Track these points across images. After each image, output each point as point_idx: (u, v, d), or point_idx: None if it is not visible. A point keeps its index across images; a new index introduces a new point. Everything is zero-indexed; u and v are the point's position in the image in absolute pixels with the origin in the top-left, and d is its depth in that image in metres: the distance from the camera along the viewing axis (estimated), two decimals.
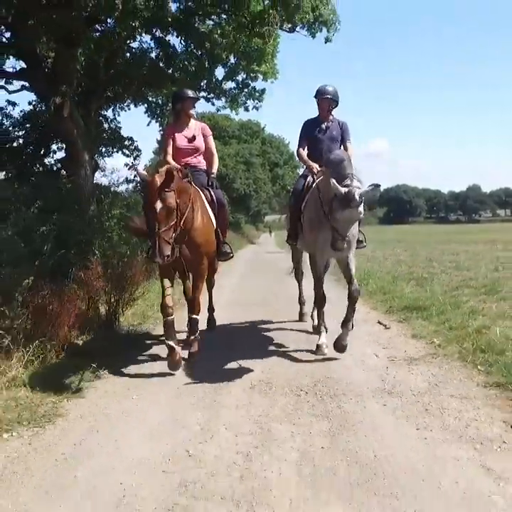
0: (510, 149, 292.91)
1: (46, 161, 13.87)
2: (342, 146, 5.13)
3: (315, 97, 5.14)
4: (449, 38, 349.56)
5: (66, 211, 8.51)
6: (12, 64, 10.92)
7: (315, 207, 4.64)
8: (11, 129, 13.52)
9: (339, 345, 4.63)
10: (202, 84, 12.96)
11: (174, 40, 13.04)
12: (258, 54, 12.00)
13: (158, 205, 3.87)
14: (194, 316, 4.85)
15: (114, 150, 14.29)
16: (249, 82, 13.51)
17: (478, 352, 4.46)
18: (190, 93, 5.17)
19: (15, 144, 13.62)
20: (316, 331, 5.26)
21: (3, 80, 11.09)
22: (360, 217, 4.20)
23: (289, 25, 10.61)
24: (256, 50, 11.84)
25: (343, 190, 3.94)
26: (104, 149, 13.89)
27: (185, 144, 5.11)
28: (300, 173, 5.83)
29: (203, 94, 13.78)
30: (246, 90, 13.82)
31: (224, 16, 10.95)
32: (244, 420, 3.33)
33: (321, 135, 5.16)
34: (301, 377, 4.20)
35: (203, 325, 5.39)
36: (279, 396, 3.77)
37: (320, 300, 4.98)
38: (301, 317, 6.46)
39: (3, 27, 10.21)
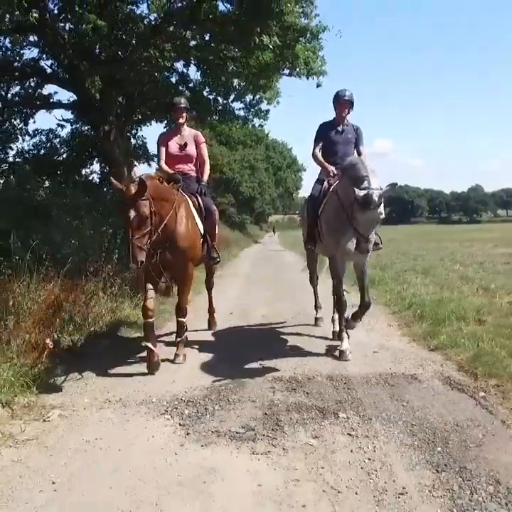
0: None
1: (83, 171, 17.18)
2: (356, 150, 5.28)
3: (334, 100, 5.27)
4: (452, 40, 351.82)
5: (112, 215, 11.57)
6: (66, 96, 14.16)
7: (334, 211, 4.72)
8: (58, 146, 16.88)
9: (349, 324, 5.12)
10: (218, 109, 16.13)
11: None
12: (264, 86, 15.17)
13: (132, 213, 3.94)
14: (180, 319, 5.01)
15: (141, 162, 17.48)
16: (256, 102, 16.69)
17: (393, 300, 7.64)
18: (181, 103, 5.27)
19: (60, 158, 16.94)
20: (337, 337, 5.41)
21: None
22: (380, 218, 4.23)
23: (288, 71, 13.85)
24: (262, 83, 14.96)
25: (362, 193, 4.04)
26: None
27: (178, 151, 5.25)
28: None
29: (218, 118, 17.00)
30: (252, 110, 17.01)
31: (236, 48, 13.68)
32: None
33: (336, 137, 5.24)
34: (287, 313, 7.40)
35: (204, 324, 6.62)
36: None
37: (340, 303, 5.18)
38: (317, 322, 6.58)
39: (55, 64, 13.35)
